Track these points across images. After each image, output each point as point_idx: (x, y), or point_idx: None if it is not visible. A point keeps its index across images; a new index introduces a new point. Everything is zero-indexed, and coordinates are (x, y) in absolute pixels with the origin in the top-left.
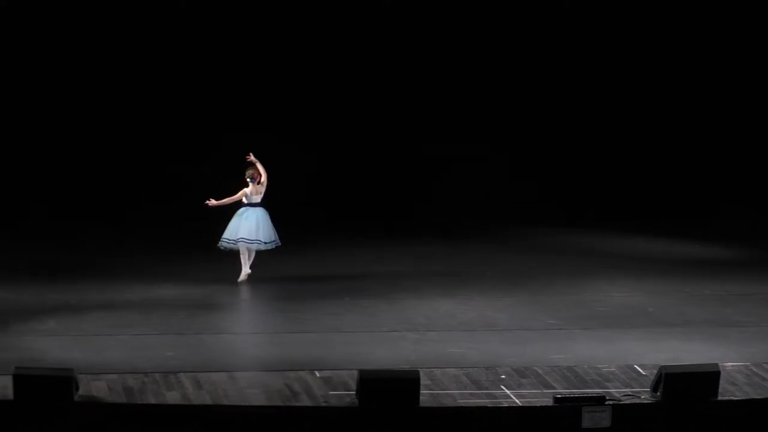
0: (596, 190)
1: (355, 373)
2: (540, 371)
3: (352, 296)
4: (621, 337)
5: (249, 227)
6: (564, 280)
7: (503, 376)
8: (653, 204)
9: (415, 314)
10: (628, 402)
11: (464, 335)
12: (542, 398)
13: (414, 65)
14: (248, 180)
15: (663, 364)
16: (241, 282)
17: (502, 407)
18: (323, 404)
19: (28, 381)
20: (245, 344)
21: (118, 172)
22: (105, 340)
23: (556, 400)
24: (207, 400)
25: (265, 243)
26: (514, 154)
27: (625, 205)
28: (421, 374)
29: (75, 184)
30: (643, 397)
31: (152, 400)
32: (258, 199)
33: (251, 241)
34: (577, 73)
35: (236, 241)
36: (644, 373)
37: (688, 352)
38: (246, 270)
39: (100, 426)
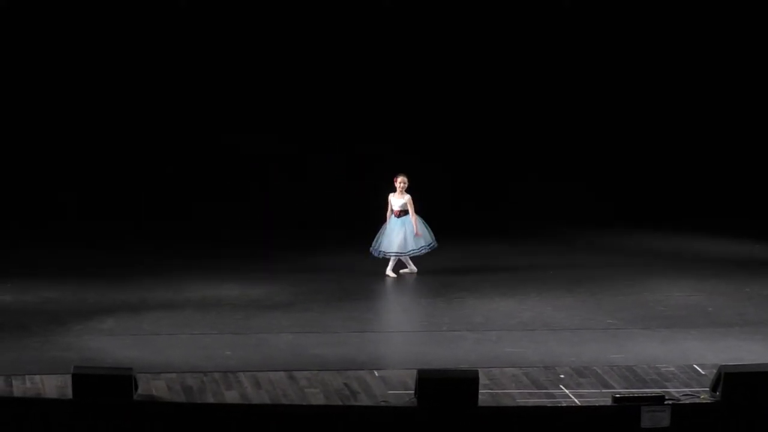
0: (658, 189)
1: (414, 373)
2: (599, 371)
3: (411, 296)
4: (680, 337)
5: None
6: (624, 279)
7: (562, 376)
8: (714, 203)
9: (474, 314)
10: (687, 402)
11: (523, 335)
12: (601, 398)
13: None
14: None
15: (722, 364)
16: (410, 274)
17: (561, 407)
18: (382, 404)
19: (87, 380)
20: (304, 343)
21: (179, 172)
22: (164, 339)
23: (615, 399)
24: (266, 399)
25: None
26: (570, 154)
27: (686, 204)
28: (480, 374)
29: (135, 183)
30: (702, 396)
31: (211, 400)
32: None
33: (401, 253)
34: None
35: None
36: (704, 373)
37: (747, 351)
38: (412, 268)
39: (159, 425)
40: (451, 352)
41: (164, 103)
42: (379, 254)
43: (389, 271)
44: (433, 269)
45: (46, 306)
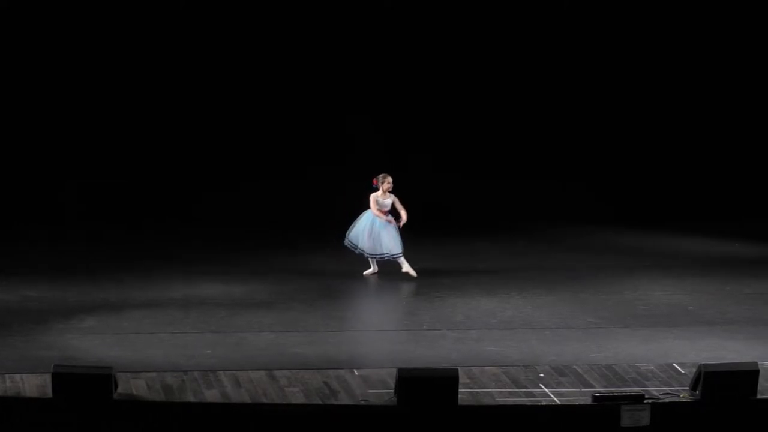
0: (639, 189)
1: (394, 372)
2: (579, 370)
3: (392, 294)
4: (661, 336)
5: (369, 240)
6: (605, 278)
7: (542, 375)
8: (694, 204)
9: (455, 312)
10: (667, 400)
11: (504, 334)
12: (581, 397)
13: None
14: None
15: (702, 363)
16: (366, 275)
17: (541, 406)
18: (362, 403)
19: (66, 379)
20: (284, 342)
21: (163, 173)
22: (145, 338)
23: (594, 398)
24: (246, 398)
25: (382, 255)
26: (557, 153)
27: (667, 205)
28: (460, 372)
29: (118, 183)
30: (682, 395)
31: (191, 399)
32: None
33: (372, 255)
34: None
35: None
36: (683, 372)
37: (728, 350)
38: (374, 268)
39: (139, 424)
40: (431, 351)
41: (156, 103)
42: (383, 257)
43: (375, 269)
44: (415, 268)
45: (27, 305)
